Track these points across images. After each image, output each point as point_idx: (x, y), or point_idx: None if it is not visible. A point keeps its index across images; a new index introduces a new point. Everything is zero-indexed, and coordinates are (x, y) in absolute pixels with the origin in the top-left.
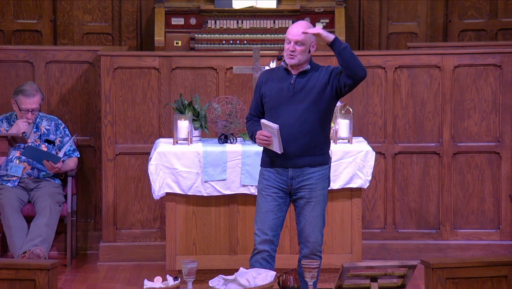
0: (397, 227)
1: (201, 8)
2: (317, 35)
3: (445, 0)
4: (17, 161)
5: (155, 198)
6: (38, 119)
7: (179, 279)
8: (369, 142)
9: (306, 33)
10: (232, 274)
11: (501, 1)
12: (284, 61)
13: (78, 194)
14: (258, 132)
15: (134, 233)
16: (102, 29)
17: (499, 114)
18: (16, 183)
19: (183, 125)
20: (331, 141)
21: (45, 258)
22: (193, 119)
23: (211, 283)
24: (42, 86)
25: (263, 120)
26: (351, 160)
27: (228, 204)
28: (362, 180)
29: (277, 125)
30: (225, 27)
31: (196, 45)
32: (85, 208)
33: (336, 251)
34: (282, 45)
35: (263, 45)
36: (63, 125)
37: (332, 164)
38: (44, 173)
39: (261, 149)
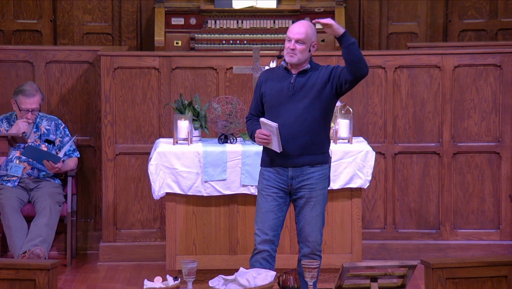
0: (397, 227)
1: (201, 8)
2: (328, 25)
3: (445, 0)
4: (17, 161)
5: (155, 198)
6: (38, 119)
7: (179, 279)
8: (369, 142)
9: (314, 25)
10: (232, 274)
11: (501, 1)
12: (284, 60)
13: (78, 194)
14: (258, 131)
15: (134, 233)
16: (102, 29)
17: (499, 114)
18: (16, 183)
19: (183, 125)
20: (331, 141)
21: (45, 258)
22: (193, 119)
23: (211, 283)
24: (42, 86)
25: (262, 119)
26: (351, 160)
27: (228, 204)
28: (362, 180)
29: (276, 124)
30: (225, 27)
31: (196, 45)
32: (85, 208)
33: (336, 251)
34: (282, 45)
35: (263, 45)
36: (63, 125)
37: (332, 163)
38: (44, 173)
39: (261, 148)
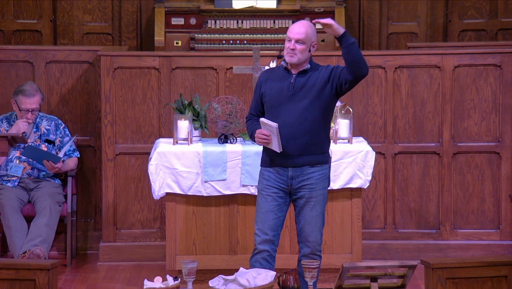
0: (397, 227)
1: (201, 8)
2: (328, 25)
3: (445, 0)
4: (17, 161)
5: (155, 198)
6: (38, 119)
7: (179, 279)
8: (369, 142)
9: (314, 25)
10: (232, 274)
11: (501, 1)
12: (284, 60)
13: (78, 194)
14: (257, 131)
15: (134, 233)
16: (102, 29)
17: (499, 114)
18: (16, 183)
19: (183, 125)
20: (331, 141)
21: (45, 258)
22: (193, 119)
23: (211, 283)
24: (42, 86)
25: (262, 119)
26: (351, 160)
27: (228, 204)
28: (362, 180)
29: (276, 123)
30: (225, 27)
31: (196, 45)
32: (85, 208)
33: (336, 251)
34: (282, 45)
35: (263, 45)
36: (63, 125)
37: (332, 163)
38: (44, 173)
39: (261, 149)
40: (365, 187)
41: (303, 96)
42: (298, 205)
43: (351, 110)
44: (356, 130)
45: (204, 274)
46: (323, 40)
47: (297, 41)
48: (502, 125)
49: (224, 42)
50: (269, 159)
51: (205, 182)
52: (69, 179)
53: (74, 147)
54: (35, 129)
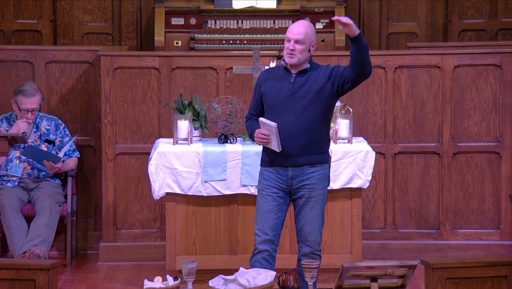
0: (397, 227)
1: (201, 8)
2: (346, 25)
3: (445, 0)
4: (17, 161)
5: (155, 198)
6: (38, 119)
7: (179, 279)
8: (369, 142)
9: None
10: (232, 274)
11: (501, 1)
12: (284, 60)
13: (78, 194)
14: (257, 130)
15: (134, 233)
16: (102, 29)
17: (499, 114)
18: (16, 183)
19: (183, 125)
20: (331, 141)
21: (45, 258)
22: (193, 119)
23: (211, 283)
24: (42, 86)
25: (261, 119)
26: (351, 160)
27: (228, 204)
28: (362, 180)
29: (275, 123)
30: (225, 27)
31: (196, 45)
32: (85, 208)
33: (336, 251)
34: (282, 45)
35: (263, 45)
36: (63, 125)
37: (332, 163)
38: (44, 173)
39: (261, 148)
40: (365, 187)
41: (302, 96)
42: (298, 204)
43: (351, 110)
44: (356, 130)
45: (204, 274)
46: (323, 40)
47: (296, 41)
48: (502, 125)
49: (224, 42)
50: (269, 158)
51: (205, 182)
52: (69, 179)
53: (74, 147)
54: (35, 129)
